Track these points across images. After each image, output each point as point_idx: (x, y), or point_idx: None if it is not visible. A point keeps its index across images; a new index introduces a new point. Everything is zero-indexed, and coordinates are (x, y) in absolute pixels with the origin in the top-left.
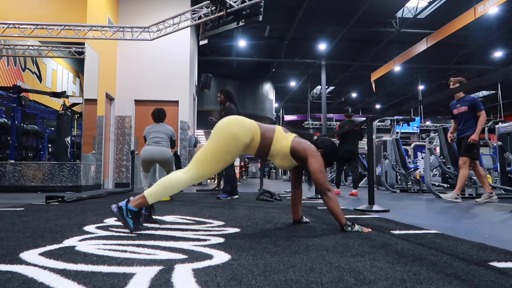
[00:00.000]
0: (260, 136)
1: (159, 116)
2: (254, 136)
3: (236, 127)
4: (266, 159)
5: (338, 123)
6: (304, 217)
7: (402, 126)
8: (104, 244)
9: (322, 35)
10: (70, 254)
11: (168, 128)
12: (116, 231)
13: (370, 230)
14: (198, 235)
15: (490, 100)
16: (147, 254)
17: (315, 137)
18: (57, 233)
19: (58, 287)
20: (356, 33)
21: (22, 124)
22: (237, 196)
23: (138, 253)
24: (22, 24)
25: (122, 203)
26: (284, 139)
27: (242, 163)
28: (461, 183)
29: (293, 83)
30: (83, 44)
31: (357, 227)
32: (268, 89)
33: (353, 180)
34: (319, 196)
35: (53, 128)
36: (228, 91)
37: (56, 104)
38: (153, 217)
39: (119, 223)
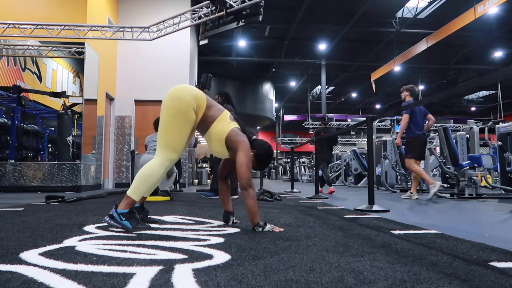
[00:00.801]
0: (205, 106)
1: None
2: (200, 103)
3: (179, 91)
4: (203, 136)
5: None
6: (234, 218)
7: None
8: (104, 244)
9: (322, 35)
10: (70, 254)
11: None
12: (116, 231)
13: (282, 229)
14: (198, 235)
15: (490, 100)
16: (147, 254)
17: (254, 137)
18: (57, 233)
19: (58, 287)
20: (356, 33)
21: (22, 124)
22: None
23: (138, 253)
24: (22, 24)
25: (111, 211)
26: (225, 124)
27: None
28: (415, 181)
29: (293, 83)
30: (83, 44)
31: (268, 227)
32: (268, 89)
33: (325, 178)
34: (319, 196)
35: (53, 128)
36: (226, 93)
37: (56, 104)
38: (153, 217)
39: None
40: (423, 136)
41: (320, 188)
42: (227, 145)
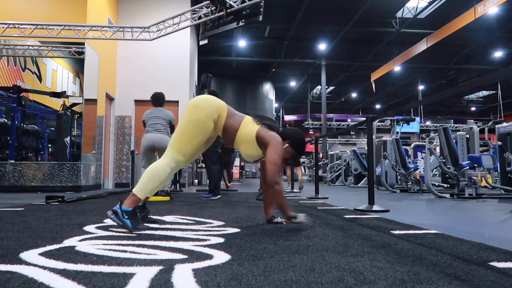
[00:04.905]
0: (226, 115)
1: (157, 100)
2: (221, 112)
3: (202, 101)
4: (232, 145)
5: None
6: (276, 217)
7: (402, 126)
8: (104, 244)
9: (322, 35)
10: (70, 254)
11: (167, 114)
12: (116, 231)
13: (309, 221)
14: (198, 235)
15: (490, 100)
16: (147, 254)
17: (281, 129)
18: (57, 233)
19: (58, 287)
20: (356, 33)
21: (22, 124)
22: (218, 197)
23: (138, 253)
24: (22, 24)
25: (116, 207)
26: (251, 126)
27: (243, 163)
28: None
29: (293, 83)
30: (83, 44)
31: (302, 216)
32: (268, 89)
33: (228, 177)
34: (319, 196)
35: (53, 128)
36: (214, 92)
37: (56, 104)
38: (153, 217)
39: None
40: None
41: (229, 184)
42: (258, 143)
